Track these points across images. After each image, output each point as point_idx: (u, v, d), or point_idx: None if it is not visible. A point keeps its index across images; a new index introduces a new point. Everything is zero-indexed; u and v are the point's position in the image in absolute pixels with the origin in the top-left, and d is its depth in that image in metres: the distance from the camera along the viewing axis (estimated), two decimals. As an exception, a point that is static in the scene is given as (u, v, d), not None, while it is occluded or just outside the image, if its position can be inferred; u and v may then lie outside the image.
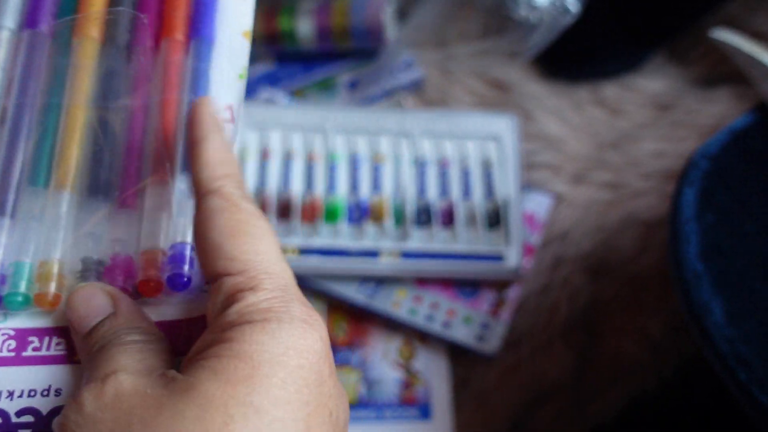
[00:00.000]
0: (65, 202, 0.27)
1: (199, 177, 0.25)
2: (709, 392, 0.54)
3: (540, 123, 0.66)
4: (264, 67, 0.72)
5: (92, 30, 0.28)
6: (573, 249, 0.59)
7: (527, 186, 0.62)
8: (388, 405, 0.53)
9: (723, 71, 0.67)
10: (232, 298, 0.24)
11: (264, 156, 0.58)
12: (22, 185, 0.27)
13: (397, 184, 0.58)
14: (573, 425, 0.53)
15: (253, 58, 0.76)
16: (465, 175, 0.58)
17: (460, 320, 0.54)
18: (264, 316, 0.23)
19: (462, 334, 0.54)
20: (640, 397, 0.53)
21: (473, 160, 0.59)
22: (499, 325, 0.54)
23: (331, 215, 0.56)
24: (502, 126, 0.61)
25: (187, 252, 0.26)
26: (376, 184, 0.57)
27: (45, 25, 0.29)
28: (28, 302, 0.25)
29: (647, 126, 0.66)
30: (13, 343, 0.25)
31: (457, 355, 0.55)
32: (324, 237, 0.55)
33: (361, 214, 0.56)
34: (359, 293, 0.55)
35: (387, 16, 0.69)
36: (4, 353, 0.25)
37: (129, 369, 0.23)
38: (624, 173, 0.63)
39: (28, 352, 0.25)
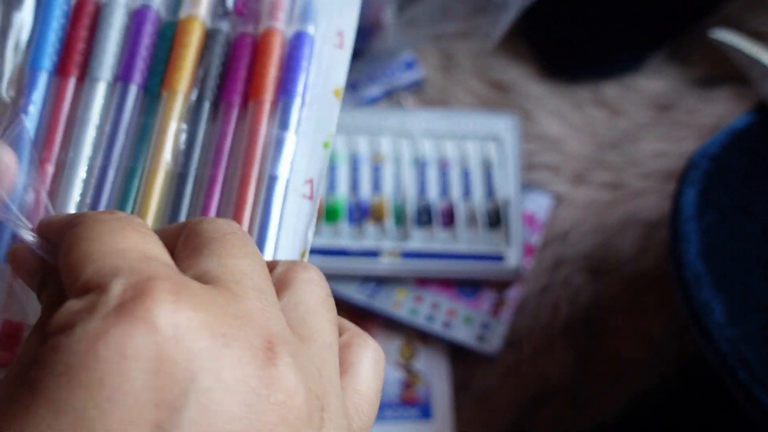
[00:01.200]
0: None
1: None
2: (709, 392, 0.54)
3: (540, 123, 0.66)
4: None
5: (181, 84, 0.28)
6: (573, 249, 0.59)
7: (527, 186, 0.62)
8: (389, 405, 0.53)
9: (723, 71, 0.67)
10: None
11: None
12: None
13: (398, 184, 0.58)
14: (573, 425, 0.53)
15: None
16: (465, 175, 0.58)
17: (461, 320, 0.54)
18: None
19: (463, 334, 0.54)
20: (640, 397, 0.53)
21: (473, 160, 0.59)
22: (500, 325, 0.54)
23: (331, 215, 0.56)
24: (503, 126, 0.61)
25: None
26: (376, 185, 0.58)
27: (138, 77, 0.28)
28: None
29: (647, 126, 0.66)
30: None
31: (458, 355, 0.55)
32: (324, 237, 0.55)
33: (362, 214, 0.56)
34: (360, 293, 0.55)
35: (387, 16, 0.69)
36: None
37: None
38: (624, 173, 0.63)
39: None
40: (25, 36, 0.28)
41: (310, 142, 0.28)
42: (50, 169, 0.27)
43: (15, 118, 0.27)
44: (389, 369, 0.54)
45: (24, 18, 0.28)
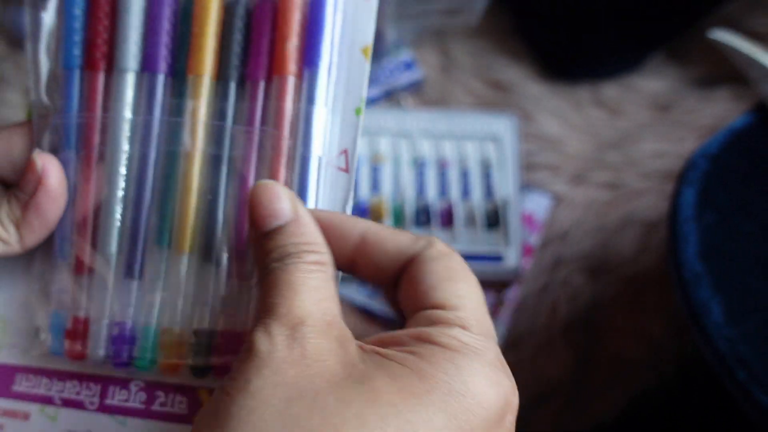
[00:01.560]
0: (183, 266, 0.27)
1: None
2: (708, 392, 0.54)
3: (539, 123, 0.66)
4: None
5: (204, 66, 0.27)
6: (572, 249, 0.59)
7: (527, 186, 0.62)
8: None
9: (722, 71, 0.67)
10: (437, 322, 0.24)
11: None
12: (149, 245, 0.27)
13: (397, 184, 0.58)
14: (573, 425, 0.53)
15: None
16: (464, 175, 0.58)
17: (460, 320, 0.54)
18: (460, 347, 0.23)
19: (462, 334, 0.54)
20: (639, 396, 0.53)
21: (473, 160, 0.59)
22: (499, 325, 0.54)
23: (330, 216, 0.55)
24: (502, 126, 0.61)
25: None
26: (375, 185, 0.58)
27: (163, 65, 0.27)
28: (154, 365, 0.27)
29: (647, 126, 0.66)
30: (143, 396, 0.27)
31: (457, 355, 0.55)
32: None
33: (361, 214, 0.56)
34: (360, 293, 0.55)
35: (386, 17, 0.69)
36: (137, 404, 0.27)
37: (316, 322, 0.23)
38: (623, 173, 0.63)
39: (156, 407, 0.27)
40: (53, 37, 0.28)
41: (341, 110, 0.27)
42: (93, 164, 0.28)
43: (56, 121, 0.28)
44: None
45: (50, 18, 0.28)
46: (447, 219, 0.56)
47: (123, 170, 0.27)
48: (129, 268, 0.27)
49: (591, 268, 0.58)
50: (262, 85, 0.27)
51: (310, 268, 0.24)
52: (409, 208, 0.56)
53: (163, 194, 0.27)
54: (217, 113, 0.27)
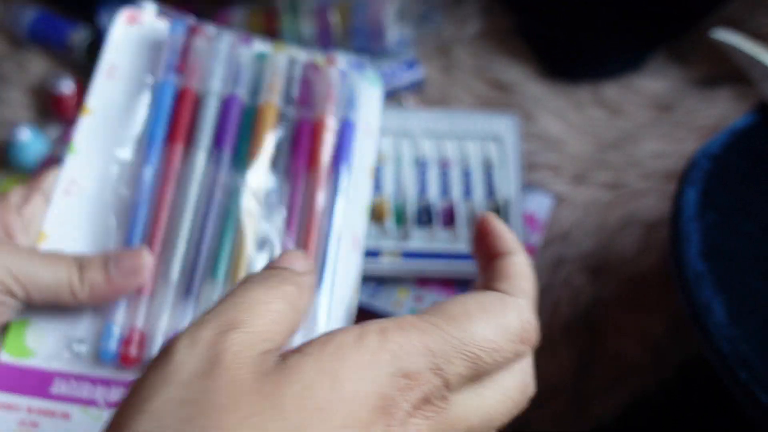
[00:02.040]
0: None
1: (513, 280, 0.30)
2: (710, 392, 0.54)
3: (541, 123, 0.66)
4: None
5: (261, 153, 0.37)
6: (574, 249, 0.59)
7: (528, 186, 0.62)
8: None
9: (724, 71, 0.67)
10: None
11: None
12: (206, 275, 0.34)
13: (398, 184, 0.58)
14: (574, 425, 0.53)
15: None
16: (466, 175, 0.58)
17: (461, 320, 0.54)
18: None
19: (463, 334, 0.54)
20: (641, 397, 0.53)
21: (474, 160, 0.59)
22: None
23: (332, 215, 0.56)
24: (503, 126, 0.61)
25: None
26: (377, 185, 0.57)
27: (228, 149, 0.36)
28: None
29: (648, 126, 0.66)
30: None
31: (458, 355, 0.55)
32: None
33: (362, 214, 0.56)
34: (360, 293, 0.55)
35: (388, 17, 0.69)
36: None
37: (245, 332, 0.24)
38: (625, 173, 0.63)
39: None
40: (143, 115, 0.37)
41: (354, 205, 0.37)
42: (163, 218, 0.35)
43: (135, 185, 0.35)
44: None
45: (143, 101, 0.37)
46: (448, 219, 0.56)
47: (190, 217, 0.35)
48: (188, 290, 0.33)
49: (592, 268, 0.58)
50: (302, 176, 0.37)
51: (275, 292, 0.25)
52: (411, 208, 0.56)
53: (220, 239, 0.35)
54: (267, 192, 0.36)
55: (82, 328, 0.32)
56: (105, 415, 0.30)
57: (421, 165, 0.59)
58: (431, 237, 0.55)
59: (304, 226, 0.36)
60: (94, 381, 0.31)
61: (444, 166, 0.59)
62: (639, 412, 0.53)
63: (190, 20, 0.40)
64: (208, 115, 0.37)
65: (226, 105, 0.37)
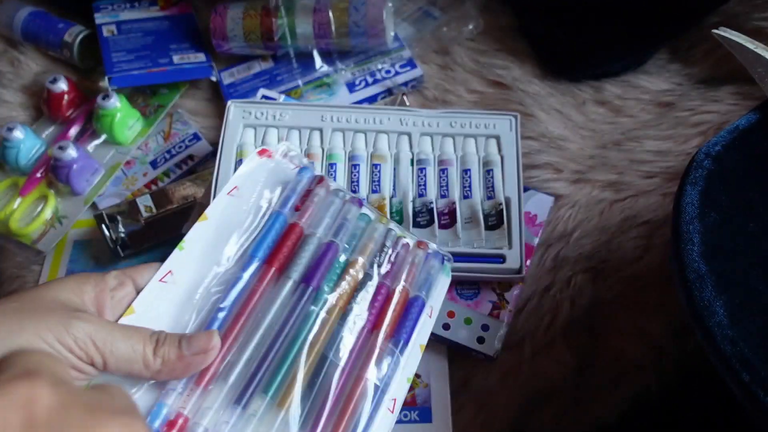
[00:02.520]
0: (282, 418, 0.37)
1: None
2: (711, 393, 0.54)
3: (541, 122, 0.66)
4: (262, 66, 0.72)
5: (341, 304, 0.41)
6: (574, 249, 0.59)
7: (528, 186, 0.62)
8: (388, 407, 0.52)
9: (726, 70, 0.67)
10: None
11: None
12: (258, 389, 0.37)
13: (397, 183, 0.57)
14: (574, 426, 0.52)
15: (251, 57, 0.76)
16: (466, 174, 0.58)
17: (461, 321, 0.54)
18: None
19: (462, 335, 0.53)
20: (641, 397, 0.53)
21: (474, 159, 0.59)
22: (500, 326, 0.54)
23: (329, 215, 0.55)
24: (504, 125, 0.60)
25: None
26: (375, 184, 0.57)
27: (315, 284, 0.41)
28: None
29: (649, 125, 0.66)
30: None
31: (458, 356, 0.54)
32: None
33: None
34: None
35: (387, 15, 0.69)
36: None
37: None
38: (626, 173, 0.62)
39: None
40: (250, 235, 0.42)
41: (400, 374, 0.40)
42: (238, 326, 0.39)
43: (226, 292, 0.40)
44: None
45: (254, 224, 0.43)
46: (448, 219, 0.56)
47: (261, 332, 0.39)
48: (238, 399, 0.36)
49: (593, 269, 0.58)
50: (367, 332, 0.41)
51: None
52: (410, 208, 0.56)
53: (281, 361, 0.38)
54: (337, 331, 0.40)
55: (138, 400, 0.35)
56: None
57: (420, 164, 0.58)
58: (431, 238, 0.55)
59: (355, 373, 0.39)
60: None
61: (443, 166, 0.58)
62: (640, 412, 0.53)
63: (316, 172, 0.46)
64: (307, 251, 0.42)
65: (324, 249, 0.42)
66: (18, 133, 0.64)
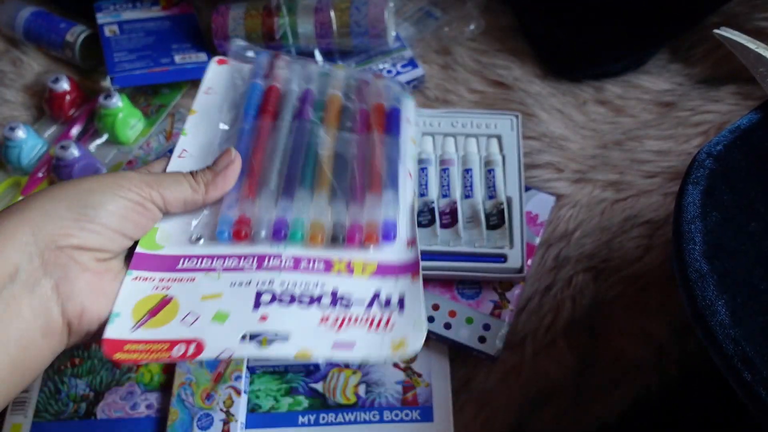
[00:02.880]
0: (323, 198, 0.45)
1: None
2: (712, 393, 0.54)
3: (543, 122, 0.66)
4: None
5: (333, 122, 0.49)
6: (576, 249, 0.59)
7: (530, 185, 0.62)
8: (389, 407, 0.52)
9: (727, 69, 0.67)
10: None
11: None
12: (296, 188, 0.45)
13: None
14: (575, 426, 0.52)
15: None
16: (467, 174, 0.58)
17: (462, 321, 0.54)
18: None
19: (463, 335, 0.53)
20: (643, 397, 0.53)
21: (475, 159, 0.59)
22: (501, 325, 0.54)
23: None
24: (505, 125, 0.60)
25: (392, 224, 0.43)
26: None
27: (306, 116, 0.49)
28: (302, 239, 0.43)
29: (651, 125, 0.66)
30: (291, 262, 0.42)
31: (459, 356, 0.54)
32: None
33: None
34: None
35: (388, 15, 0.69)
36: (287, 268, 0.42)
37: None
38: (627, 172, 0.62)
39: (301, 268, 0.42)
40: (236, 111, 0.50)
41: (407, 156, 0.49)
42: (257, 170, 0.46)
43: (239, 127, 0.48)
44: (390, 370, 0.54)
45: (235, 102, 0.51)
46: (449, 218, 0.56)
47: (282, 147, 0.47)
48: (286, 192, 0.45)
49: (594, 268, 0.58)
50: (363, 133, 0.49)
51: None
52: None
53: (305, 166, 0.46)
54: (339, 143, 0.48)
55: (198, 228, 0.43)
56: (223, 276, 0.41)
57: (421, 164, 0.58)
58: (432, 237, 0.55)
59: (368, 164, 0.47)
60: (212, 257, 0.42)
61: (445, 166, 0.58)
62: (640, 412, 0.53)
63: (272, 51, 0.54)
64: (290, 101, 0.50)
65: (303, 95, 0.51)
66: (20, 133, 0.64)
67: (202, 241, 0.43)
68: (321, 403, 0.53)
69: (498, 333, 0.54)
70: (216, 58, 0.54)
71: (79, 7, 0.77)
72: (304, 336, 0.38)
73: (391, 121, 0.50)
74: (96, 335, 0.37)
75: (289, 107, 0.49)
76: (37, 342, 0.35)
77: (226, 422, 0.51)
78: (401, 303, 0.40)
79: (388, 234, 0.43)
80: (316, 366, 0.54)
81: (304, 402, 0.53)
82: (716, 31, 0.48)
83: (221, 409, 0.51)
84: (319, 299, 0.40)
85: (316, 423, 0.52)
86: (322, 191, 0.45)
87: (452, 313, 0.54)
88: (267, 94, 0.50)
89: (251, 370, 0.54)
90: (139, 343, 0.37)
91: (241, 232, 0.42)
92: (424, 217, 0.56)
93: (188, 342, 0.37)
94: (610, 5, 0.68)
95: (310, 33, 0.69)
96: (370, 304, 0.40)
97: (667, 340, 0.54)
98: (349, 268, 0.42)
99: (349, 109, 0.50)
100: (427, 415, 0.52)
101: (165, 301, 0.39)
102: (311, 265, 0.42)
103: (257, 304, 0.39)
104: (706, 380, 0.53)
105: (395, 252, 0.43)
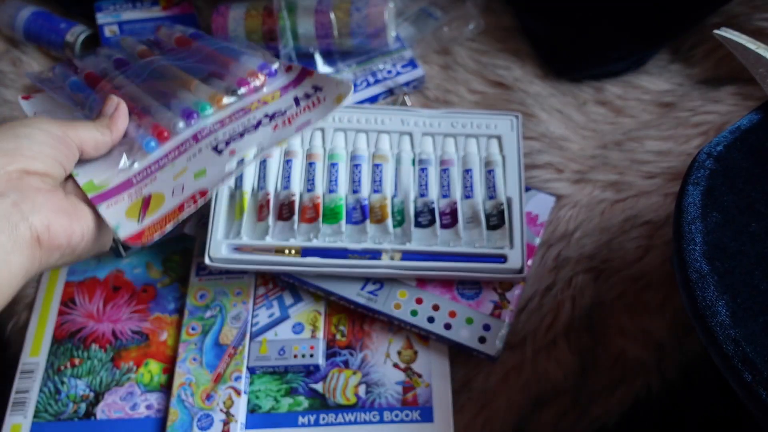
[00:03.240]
0: (200, 87, 0.51)
1: None
2: (712, 393, 0.54)
3: (543, 122, 0.66)
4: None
5: (150, 54, 0.57)
6: (576, 249, 0.59)
7: (530, 186, 0.62)
8: (389, 407, 0.52)
9: (727, 70, 0.67)
10: None
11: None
12: (176, 93, 0.51)
13: (399, 183, 0.57)
14: (576, 426, 0.52)
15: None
16: (467, 174, 0.58)
17: (462, 321, 0.54)
18: None
19: (464, 335, 0.53)
20: (643, 398, 0.53)
21: (475, 159, 0.59)
22: (501, 326, 0.54)
23: (331, 215, 0.55)
24: (505, 125, 0.60)
25: (265, 64, 0.52)
26: (377, 184, 0.57)
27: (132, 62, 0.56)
28: (213, 108, 0.50)
29: (651, 125, 0.66)
30: None
31: (459, 356, 0.54)
32: (324, 237, 0.55)
33: (362, 214, 0.56)
34: (360, 294, 0.55)
35: (388, 15, 0.69)
36: None
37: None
38: (628, 173, 0.62)
39: None
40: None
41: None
42: None
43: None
44: (390, 371, 0.54)
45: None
46: (449, 219, 0.56)
47: (129, 82, 0.54)
48: (169, 103, 0.51)
49: (594, 269, 0.58)
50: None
51: None
52: (411, 208, 0.56)
53: (162, 78, 0.53)
54: None
55: (123, 160, 0.47)
56: (176, 161, 0.47)
57: (421, 164, 0.58)
58: (432, 237, 0.55)
59: None
60: (155, 162, 0.47)
61: (445, 166, 0.58)
62: (641, 413, 0.53)
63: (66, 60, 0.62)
64: (110, 71, 0.56)
65: (116, 61, 0.57)
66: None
67: (136, 164, 0.47)
68: (321, 404, 0.53)
69: (498, 333, 0.54)
70: (20, 97, 0.56)
71: (79, 7, 0.77)
72: (270, 141, 0.47)
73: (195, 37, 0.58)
74: (77, 253, 0.42)
75: (114, 74, 0.54)
76: (5, 258, 0.36)
77: (226, 423, 0.51)
78: (316, 88, 0.51)
79: (270, 72, 0.52)
80: (317, 366, 0.54)
81: (304, 402, 0.53)
82: (716, 31, 0.48)
83: (221, 410, 0.51)
84: (259, 123, 0.49)
85: (316, 423, 0.52)
86: (193, 83, 0.51)
87: (452, 314, 0.54)
88: (87, 78, 0.54)
89: (251, 370, 0.54)
90: (153, 225, 0.43)
91: (163, 133, 0.47)
92: (424, 217, 0.56)
93: (190, 198, 0.44)
94: (611, 5, 0.68)
95: (311, 33, 0.69)
96: (298, 103, 0.50)
97: (668, 340, 0.54)
98: (264, 102, 0.50)
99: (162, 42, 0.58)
100: (427, 415, 0.52)
101: (147, 199, 0.45)
102: (235, 115, 0.49)
103: (219, 151, 0.47)
104: (707, 381, 0.53)
105: (281, 79, 0.52)
